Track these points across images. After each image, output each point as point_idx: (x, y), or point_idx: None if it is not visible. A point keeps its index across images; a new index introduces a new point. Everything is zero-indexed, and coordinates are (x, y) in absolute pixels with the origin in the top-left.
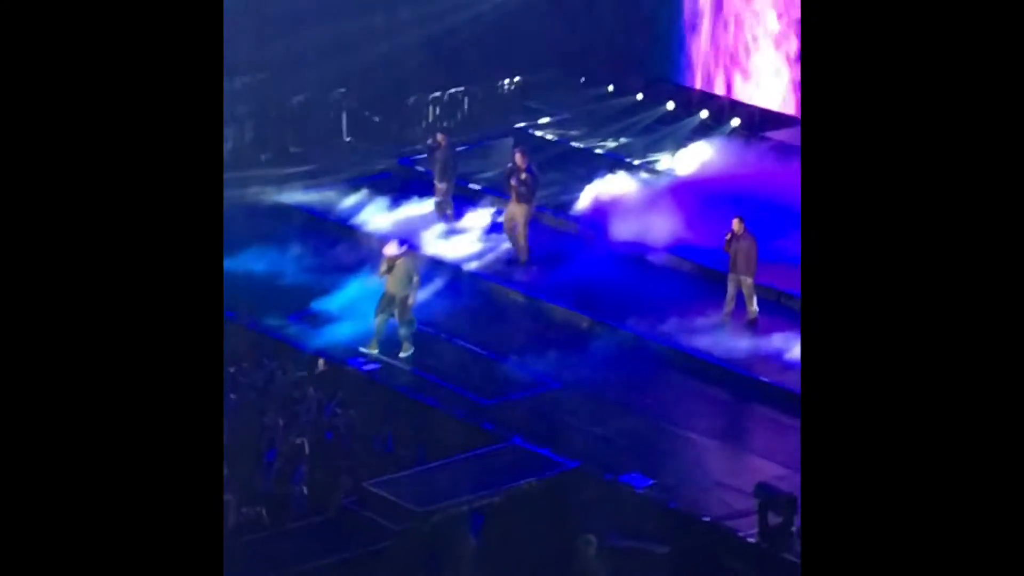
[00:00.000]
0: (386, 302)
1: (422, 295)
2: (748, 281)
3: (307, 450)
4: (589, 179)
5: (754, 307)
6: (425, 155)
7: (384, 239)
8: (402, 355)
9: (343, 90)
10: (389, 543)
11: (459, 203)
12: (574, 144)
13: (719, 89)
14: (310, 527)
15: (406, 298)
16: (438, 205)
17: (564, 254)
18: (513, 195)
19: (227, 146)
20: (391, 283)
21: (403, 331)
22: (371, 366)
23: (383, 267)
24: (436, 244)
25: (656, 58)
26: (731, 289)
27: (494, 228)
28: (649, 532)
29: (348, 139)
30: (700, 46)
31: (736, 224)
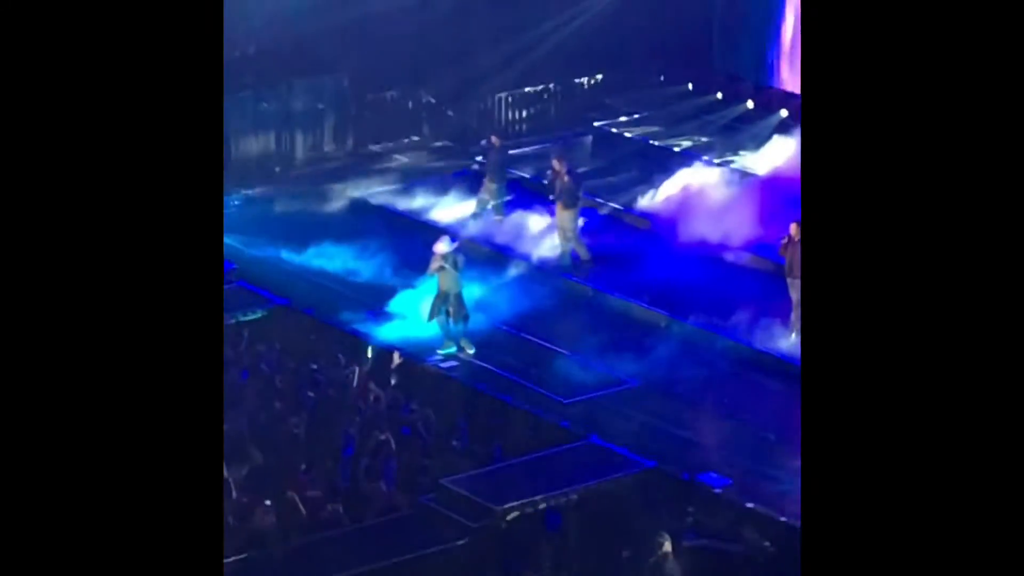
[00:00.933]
0: (440, 301)
1: (502, 292)
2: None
3: (393, 446)
4: (666, 177)
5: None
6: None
7: (451, 234)
8: (465, 355)
9: (423, 87)
10: (466, 540)
11: (531, 200)
12: (652, 142)
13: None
14: (388, 523)
15: (459, 295)
16: (483, 202)
17: (640, 252)
18: (558, 202)
19: (306, 142)
20: (443, 281)
21: (460, 328)
22: (448, 363)
23: (434, 265)
24: (513, 242)
25: (736, 57)
26: (794, 296)
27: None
28: (725, 531)
29: (427, 136)
30: (784, 45)
31: (794, 228)
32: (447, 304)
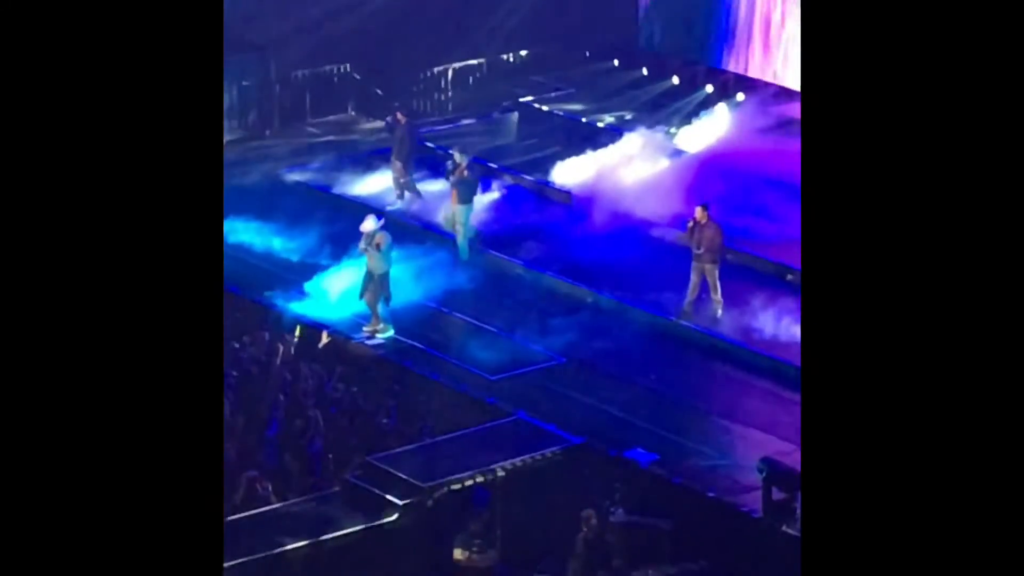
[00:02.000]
0: (367, 280)
1: (428, 269)
2: (712, 269)
3: (320, 424)
4: (590, 152)
5: (718, 296)
6: (432, 129)
7: (376, 212)
8: (380, 336)
9: (347, 64)
10: (394, 517)
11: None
12: (579, 118)
13: (734, 66)
14: (315, 501)
15: (384, 274)
16: (396, 183)
17: (565, 227)
18: (453, 196)
19: (231, 120)
20: (370, 260)
21: (381, 310)
22: (375, 341)
23: (362, 244)
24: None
25: (664, 34)
26: (694, 278)
27: (496, 204)
28: (653, 507)
29: (352, 113)
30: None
31: (699, 212)
32: (373, 283)
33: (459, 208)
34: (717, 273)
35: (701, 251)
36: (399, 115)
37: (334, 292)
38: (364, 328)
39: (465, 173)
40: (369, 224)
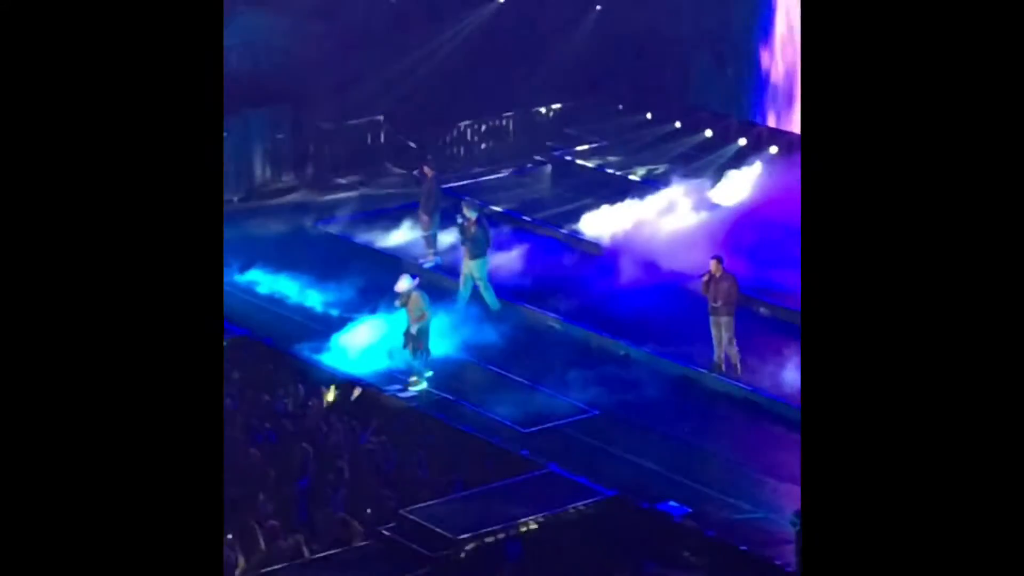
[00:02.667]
0: (407, 335)
1: (462, 321)
2: (728, 321)
3: (347, 474)
4: (623, 204)
5: (734, 348)
6: (465, 182)
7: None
8: (413, 389)
9: (380, 117)
10: (426, 570)
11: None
12: (610, 171)
13: (767, 119)
14: (347, 554)
15: (421, 329)
16: (424, 239)
17: (598, 280)
18: (465, 252)
19: (264, 172)
20: (410, 315)
21: (416, 364)
22: (408, 393)
23: (398, 302)
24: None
25: (696, 86)
26: (715, 331)
27: (528, 256)
28: (686, 561)
29: (385, 165)
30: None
31: (714, 265)
32: (410, 337)
33: (473, 264)
34: (733, 325)
35: (718, 304)
36: (426, 168)
37: (365, 345)
38: (410, 386)
39: (473, 229)
40: (403, 284)
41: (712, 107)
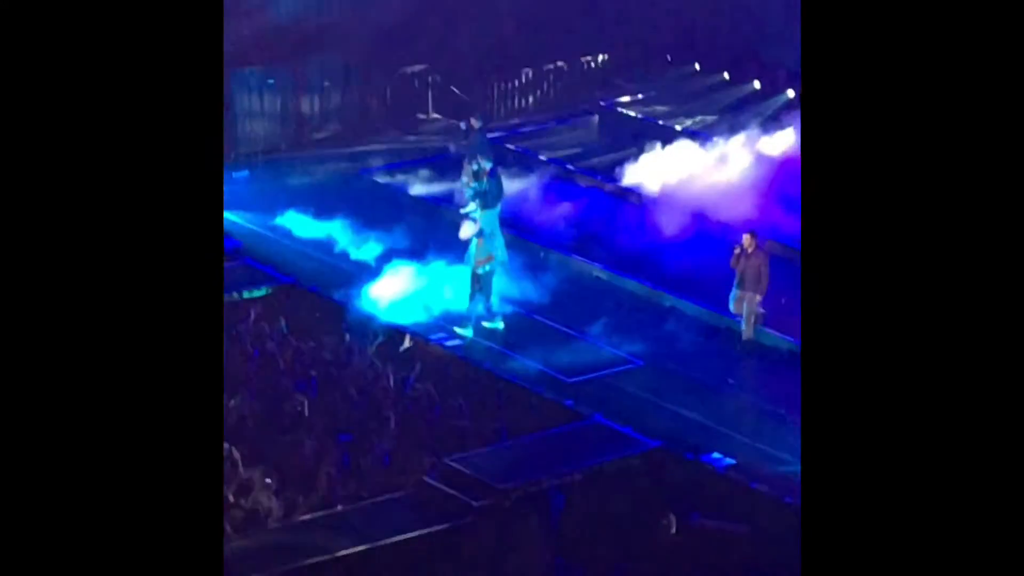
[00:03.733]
0: (472, 277)
1: (506, 272)
2: (756, 299)
3: (392, 423)
4: (670, 155)
5: (752, 329)
6: (512, 132)
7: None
8: (459, 337)
9: (425, 66)
10: (469, 519)
11: (545, 181)
12: (659, 121)
13: None
14: (391, 502)
15: (484, 275)
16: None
17: (644, 232)
18: (477, 202)
19: (312, 120)
20: (474, 259)
21: (476, 309)
22: (454, 342)
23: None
24: (519, 223)
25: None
26: (738, 307)
27: (575, 206)
28: (730, 512)
29: (433, 115)
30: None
31: (747, 239)
32: (475, 279)
33: (484, 214)
34: (759, 304)
35: (745, 280)
36: (472, 120)
37: (406, 292)
38: (456, 329)
39: (486, 179)
40: (468, 230)
41: (764, 56)
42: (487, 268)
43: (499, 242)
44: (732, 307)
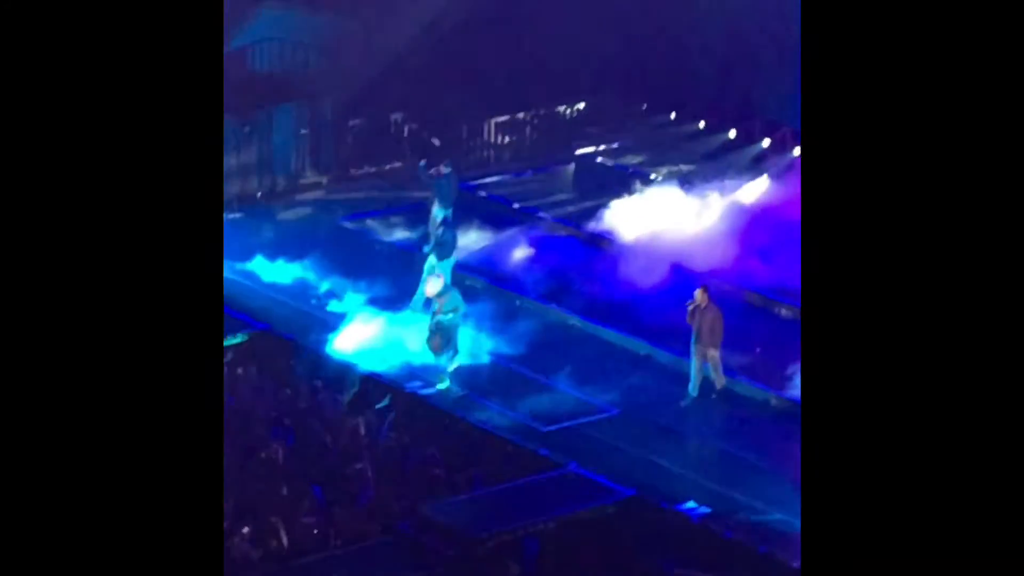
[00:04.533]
0: (433, 328)
1: (482, 320)
2: (714, 354)
3: (370, 473)
4: (646, 204)
5: (722, 379)
6: (487, 180)
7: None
8: (436, 387)
9: (402, 114)
10: (443, 568)
11: (520, 229)
12: (632, 170)
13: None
14: (365, 550)
15: (448, 326)
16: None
17: (618, 280)
18: (432, 253)
19: (288, 167)
20: (436, 308)
21: (445, 362)
22: (427, 390)
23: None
24: (495, 270)
25: (722, 86)
26: (697, 362)
27: (549, 254)
28: (705, 562)
29: (408, 162)
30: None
31: (699, 295)
32: (438, 330)
33: (439, 265)
34: (719, 357)
35: (702, 335)
36: (441, 167)
37: (384, 341)
38: (438, 385)
39: (440, 230)
40: (434, 287)
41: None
42: (451, 319)
43: (456, 293)
44: (693, 359)
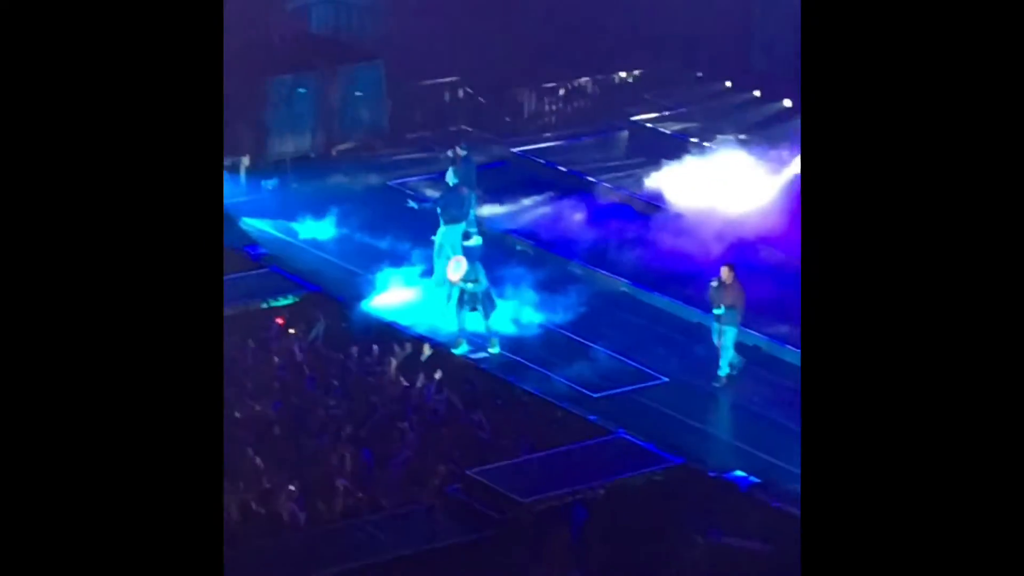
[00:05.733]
0: (461, 296)
1: (533, 286)
2: (733, 332)
3: (420, 436)
4: (699, 171)
5: (735, 361)
6: (541, 145)
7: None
8: (487, 352)
9: (456, 78)
10: (491, 532)
11: (574, 195)
12: (690, 138)
13: None
14: (413, 513)
15: (486, 291)
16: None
17: (672, 247)
18: (443, 217)
19: (342, 129)
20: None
21: (488, 325)
22: (477, 355)
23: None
24: (546, 235)
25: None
26: (718, 340)
27: (602, 221)
28: (752, 530)
29: (462, 127)
30: None
31: (725, 272)
32: (474, 302)
33: (447, 228)
34: (735, 336)
35: (723, 312)
36: (458, 149)
37: (433, 305)
38: (489, 351)
39: (451, 194)
40: (454, 273)
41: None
42: (474, 289)
43: (477, 266)
44: (716, 339)
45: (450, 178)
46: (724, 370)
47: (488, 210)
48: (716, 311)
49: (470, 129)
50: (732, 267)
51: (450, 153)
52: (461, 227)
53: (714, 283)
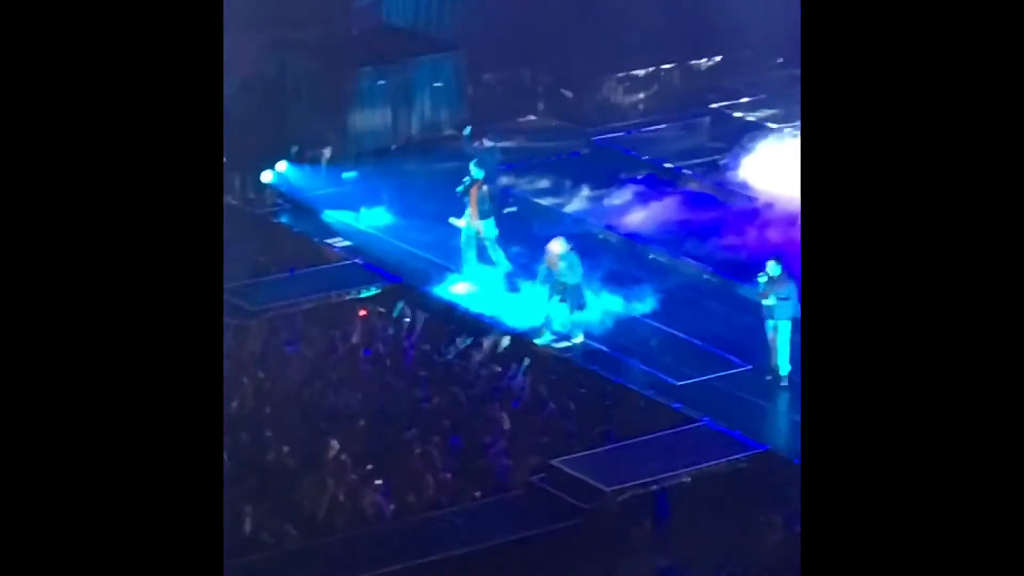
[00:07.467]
0: (556, 288)
1: (614, 274)
2: (786, 327)
3: (505, 425)
4: (779, 158)
5: (786, 360)
6: (621, 134)
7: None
8: (570, 341)
9: (536, 67)
10: (577, 521)
11: (654, 183)
12: (769, 124)
13: None
14: (499, 503)
15: (577, 285)
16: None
17: (753, 235)
18: (473, 212)
19: (422, 120)
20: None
21: (573, 318)
22: (562, 344)
23: (550, 262)
24: (628, 224)
25: None
26: (771, 336)
27: (685, 208)
28: None
29: (541, 116)
30: None
31: (771, 266)
32: (564, 293)
33: (482, 223)
34: (789, 331)
35: (773, 306)
36: (485, 140)
37: (517, 296)
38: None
39: (477, 190)
40: (556, 247)
41: None
42: (566, 279)
43: (498, 252)
44: (769, 334)
45: (475, 172)
46: (785, 368)
47: (569, 200)
48: (766, 303)
49: (544, 118)
50: (779, 260)
51: (476, 144)
52: (493, 221)
53: (762, 277)
